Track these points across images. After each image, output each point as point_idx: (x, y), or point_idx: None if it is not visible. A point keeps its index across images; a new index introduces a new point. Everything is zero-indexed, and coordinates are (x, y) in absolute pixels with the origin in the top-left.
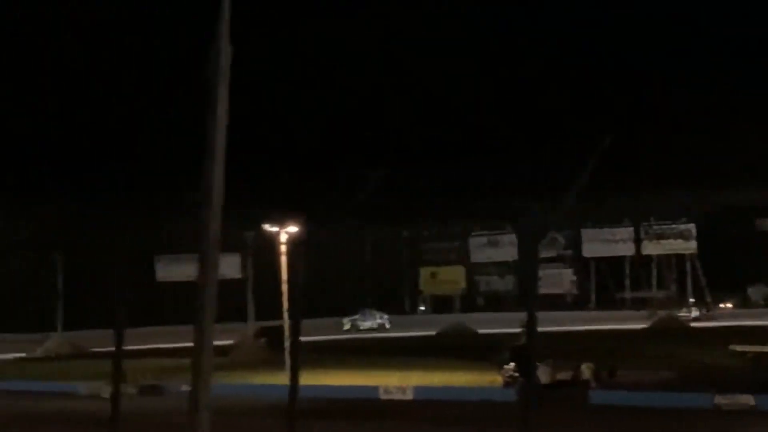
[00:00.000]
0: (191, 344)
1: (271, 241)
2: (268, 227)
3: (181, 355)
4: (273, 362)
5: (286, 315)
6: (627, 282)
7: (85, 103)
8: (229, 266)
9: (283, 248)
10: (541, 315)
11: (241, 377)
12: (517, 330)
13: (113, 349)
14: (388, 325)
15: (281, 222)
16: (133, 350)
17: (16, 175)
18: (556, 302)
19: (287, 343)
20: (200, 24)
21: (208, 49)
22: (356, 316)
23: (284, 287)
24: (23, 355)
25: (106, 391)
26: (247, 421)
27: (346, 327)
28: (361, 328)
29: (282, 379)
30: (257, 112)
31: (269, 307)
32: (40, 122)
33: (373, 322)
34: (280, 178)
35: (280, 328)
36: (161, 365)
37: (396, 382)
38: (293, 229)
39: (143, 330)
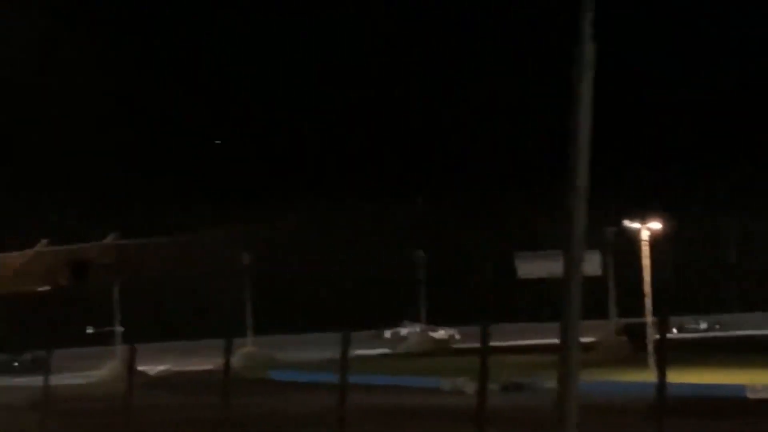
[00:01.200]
0: (553, 341)
1: (633, 237)
2: (629, 223)
3: (543, 351)
4: (635, 359)
5: (648, 312)
6: None
7: (447, 107)
8: (590, 263)
9: (645, 245)
10: None
11: (604, 374)
12: None
13: (475, 345)
14: (458, 336)
15: (643, 218)
16: (495, 347)
17: (380, 177)
18: None
19: (651, 341)
20: (566, 22)
21: (572, 47)
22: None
23: (646, 284)
24: (386, 350)
25: (469, 387)
26: (613, 418)
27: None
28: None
29: (645, 376)
30: (614, 110)
31: (630, 304)
32: (402, 127)
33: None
34: (643, 173)
35: (642, 325)
36: (523, 362)
37: (766, 381)
38: (655, 225)
39: (505, 327)
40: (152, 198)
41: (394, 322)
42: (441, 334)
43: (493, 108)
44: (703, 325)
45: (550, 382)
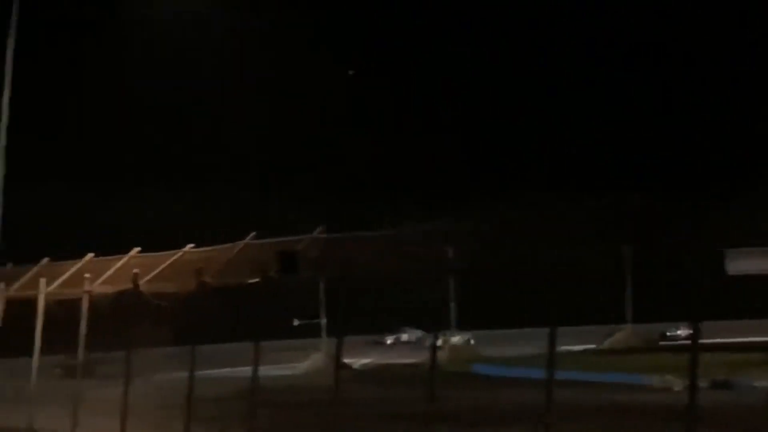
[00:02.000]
0: (765, 339)
1: None
2: None
3: (753, 350)
4: None
5: None
6: None
7: (664, 101)
8: None
9: None
10: None
11: None
12: None
13: (684, 342)
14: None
15: None
16: (703, 344)
17: (588, 170)
18: None
19: None
20: None
21: None
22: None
23: None
24: (593, 346)
25: (677, 384)
26: None
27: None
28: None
29: None
30: None
31: None
32: (613, 118)
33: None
34: None
35: None
36: (732, 360)
37: None
38: None
39: (716, 324)
40: (359, 192)
41: (397, 328)
42: (457, 339)
43: (706, 104)
44: None
45: (761, 381)
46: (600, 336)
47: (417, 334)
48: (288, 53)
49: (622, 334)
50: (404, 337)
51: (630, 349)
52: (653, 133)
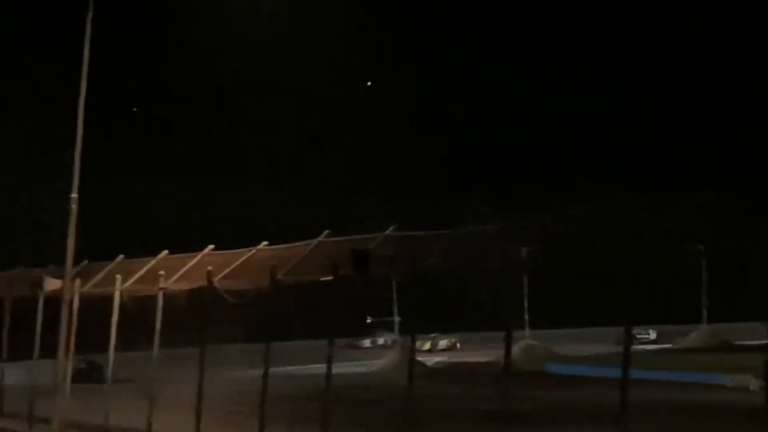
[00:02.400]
0: None
1: None
2: None
3: None
4: None
5: None
6: None
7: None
8: None
9: None
10: None
11: None
12: None
13: (761, 342)
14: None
15: None
16: None
17: (665, 166)
18: None
19: None
20: None
21: None
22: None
23: None
24: (668, 345)
25: (754, 384)
26: None
27: (426, 347)
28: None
29: None
30: None
31: None
32: (686, 116)
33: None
34: None
35: None
36: None
37: None
38: None
39: None
40: (432, 190)
41: (372, 332)
42: (444, 343)
43: None
44: None
45: None
46: (677, 336)
47: (392, 337)
48: (362, 53)
49: (698, 334)
50: (380, 340)
51: (705, 348)
52: (732, 131)
